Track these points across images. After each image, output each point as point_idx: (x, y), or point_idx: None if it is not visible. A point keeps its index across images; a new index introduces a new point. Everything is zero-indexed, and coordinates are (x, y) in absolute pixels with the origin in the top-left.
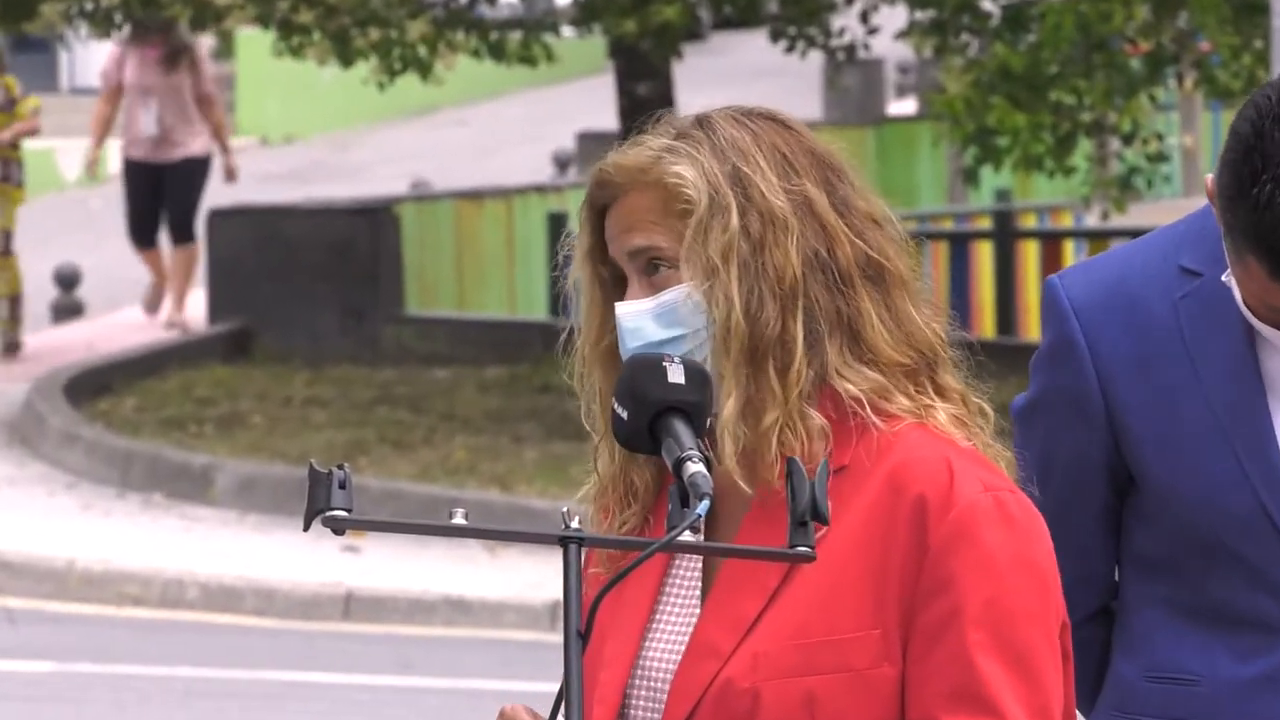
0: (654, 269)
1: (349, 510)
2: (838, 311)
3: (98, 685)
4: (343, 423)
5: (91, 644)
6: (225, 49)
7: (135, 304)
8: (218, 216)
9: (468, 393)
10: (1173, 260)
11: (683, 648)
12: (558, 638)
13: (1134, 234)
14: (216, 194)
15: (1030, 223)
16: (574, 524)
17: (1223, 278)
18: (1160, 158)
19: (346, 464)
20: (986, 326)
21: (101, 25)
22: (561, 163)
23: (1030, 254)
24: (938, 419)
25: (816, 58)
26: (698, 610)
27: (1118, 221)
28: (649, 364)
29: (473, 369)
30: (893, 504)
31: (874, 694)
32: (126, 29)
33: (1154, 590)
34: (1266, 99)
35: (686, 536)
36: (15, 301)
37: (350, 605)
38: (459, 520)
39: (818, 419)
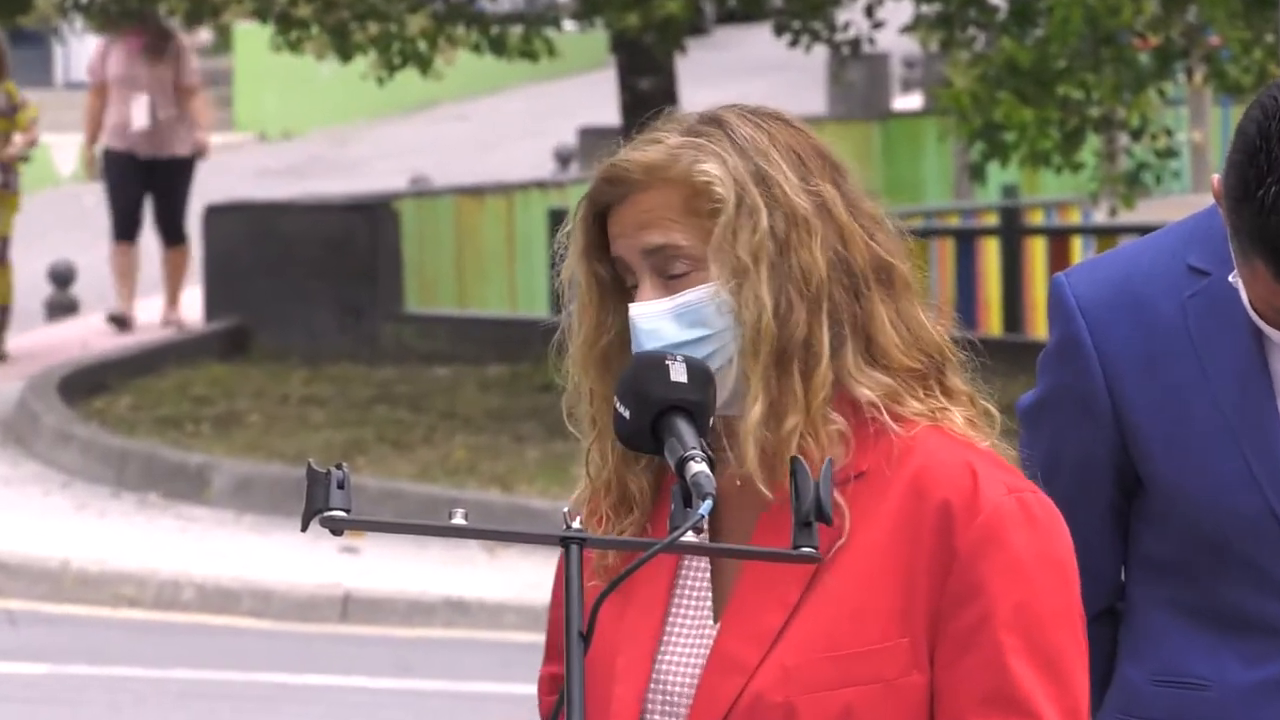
0: (671, 268)
1: (347, 510)
2: (854, 314)
3: (93, 687)
4: (341, 422)
5: (87, 645)
6: (223, 43)
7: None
8: (214, 213)
9: (468, 391)
10: (1180, 259)
11: (699, 660)
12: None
13: (1142, 230)
14: (213, 190)
15: (1037, 219)
16: (575, 524)
17: (1230, 278)
18: (1169, 153)
19: (345, 463)
20: (993, 324)
21: (96, 19)
22: (563, 158)
23: (1038, 251)
24: (954, 421)
25: (821, 52)
26: (710, 619)
27: (1126, 218)
28: (652, 362)
29: (473, 367)
30: (917, 510)
31: (904, 703)
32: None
33: (1161, 592)
34: (1273, 100)
35: (690, 537)
36: (4, 311)
37: (348, 606)
38: (459, 521)
39: (838, 423)
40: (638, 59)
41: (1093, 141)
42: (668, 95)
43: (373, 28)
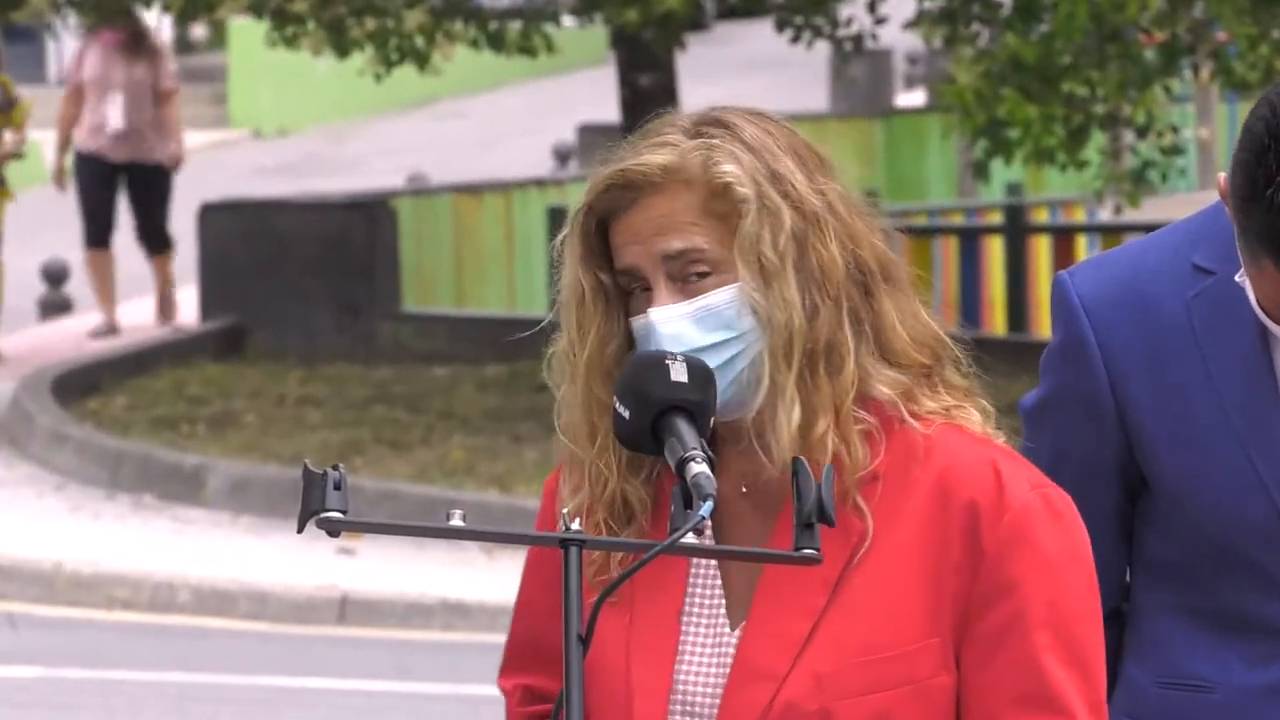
0: (690, 272)
1: (344, 512)
2: (867, 313)
3: (87, 691)
4: (338, 422)
5: (80, 648)
6: (217, 39)
7: (126, 301)
8: (209, 211)
9: (466, 391)
10: (1185, 257)
11: (720, 669)
12: None
13: (1148, 229)
14: (208, 188)
15: (1042, 217)
16: (574, 526)
17: (1236, 277)
18: (1175, 151)
19: (342, 464)
20: (997, 323)
21: (90, 15)
22: (562, 155)
23: (1042, 249)
24: (970, 418)
25: (823, 48)
26: (726, 626)
27: (1131, 216)
28: (652, 362)
29: (471, 367)
30: (943, 510)
31: (934, 704)
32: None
33: (1166, 595)
34: None
35: (690, 539)
36: None
37: (346, 609)
38: (457, 522)
39: (866, 423)
40: (638, 55)
41: (1098, 139)
42: (668, 92)
43: (370, 23)
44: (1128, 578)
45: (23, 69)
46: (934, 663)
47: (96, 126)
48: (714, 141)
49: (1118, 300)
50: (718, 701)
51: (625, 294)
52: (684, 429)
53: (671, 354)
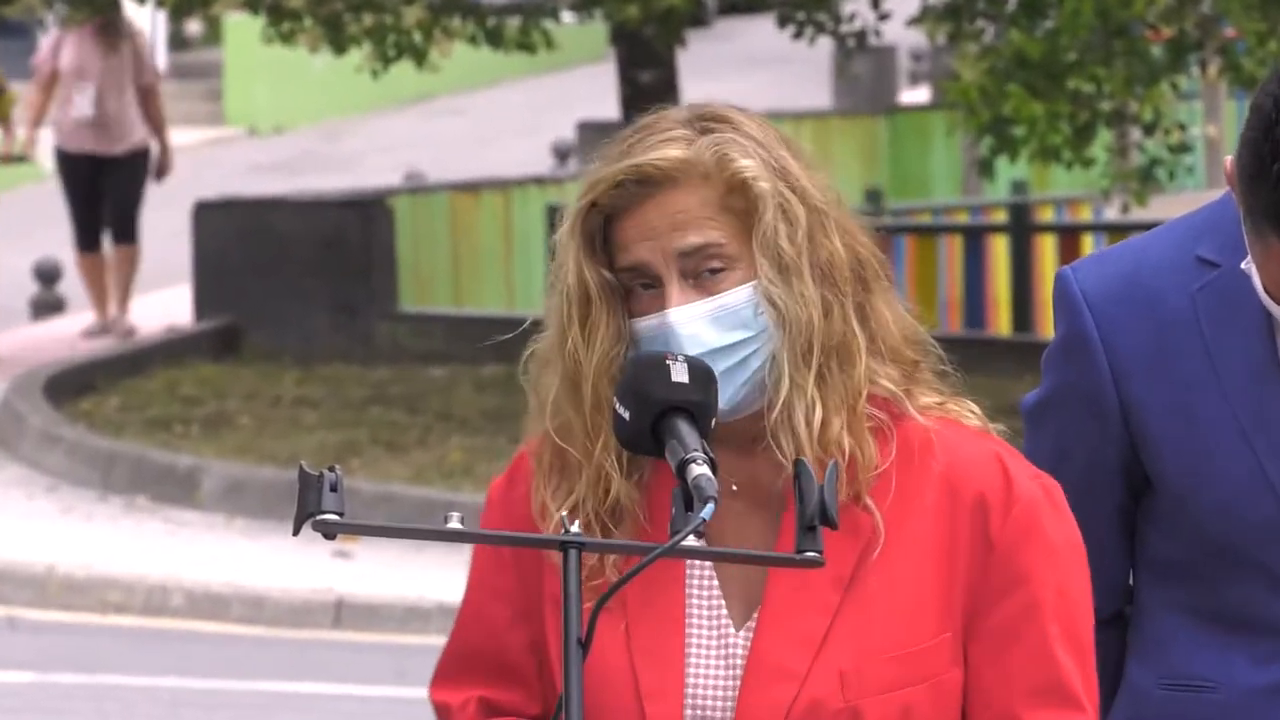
0: (705, 268)
1: (340, 514)
2: (867, 308)
3: (79, 696)
4: (334, 423)
5: (73, 653)
6: (213, 35)
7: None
8: (204, 209)
9: (464, 391)
10: (1189, 250)
11: (730, 670)
12: None
13: (1154, 227)
14: (203, 186)
15: (1047, 216)
16: (574, 528)
17: (1242, 265)
18: (1182, 149)
19: (338, 466)
20: (1002, 323)
21: (82, 9)
22: (561, 153)
23: (1047, 248)
24: (965, 412)
25: (826, 44)
26: (730, 627)
27: (1138, 215)
28: (652, 362)
29: (469, 367)
30: (952, 505)
31: (948, 699)
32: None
33: (1170, 595)
34: None
35: (691, 541)
36: None
37: (342, 612)
38: (455, 524)
39: (875, 420)
40: (638, 51)
41: (1104, 136)
42: (669, 89)
43: (367, 19)
44: (1130, 579)
45: (13, 64)
46: (948, 658)
47: (69, 119)
48: (728, 136)
49: (1121, 295)
50: (730, 703)
51: (625, 292)
52: (685, 430)
53: (672, 354)
